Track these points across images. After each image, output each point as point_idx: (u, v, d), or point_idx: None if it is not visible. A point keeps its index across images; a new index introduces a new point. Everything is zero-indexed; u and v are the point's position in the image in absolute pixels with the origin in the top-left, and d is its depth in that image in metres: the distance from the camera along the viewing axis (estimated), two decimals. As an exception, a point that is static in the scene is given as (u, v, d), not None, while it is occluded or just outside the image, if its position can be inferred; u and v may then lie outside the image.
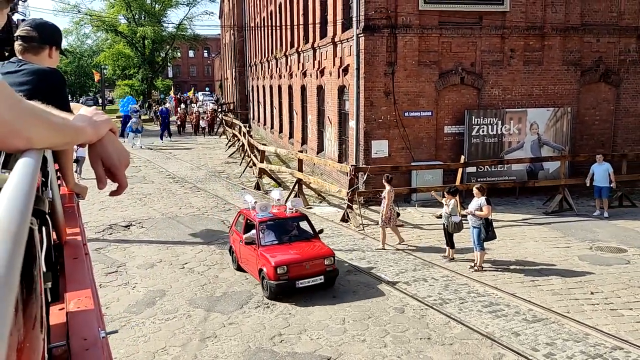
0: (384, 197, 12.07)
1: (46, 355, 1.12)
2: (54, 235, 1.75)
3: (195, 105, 42.21)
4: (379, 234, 12.30)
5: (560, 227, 13.50)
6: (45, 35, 2.65)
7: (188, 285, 10.21)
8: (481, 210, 10.45)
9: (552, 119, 16.82)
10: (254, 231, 10.25)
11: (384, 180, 12.34)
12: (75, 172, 18.71)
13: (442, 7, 15.88)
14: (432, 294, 9.54)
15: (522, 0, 16.28)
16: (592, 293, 9.49)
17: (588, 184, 14.56)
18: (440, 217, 14.00)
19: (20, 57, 2.58)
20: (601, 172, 14.26)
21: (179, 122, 38.29)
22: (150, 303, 9.43)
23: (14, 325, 0.58)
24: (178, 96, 50.68)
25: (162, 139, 32.59)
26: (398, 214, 12.59)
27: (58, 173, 2.40)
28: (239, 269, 10.79)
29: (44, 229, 1.35)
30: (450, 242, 11.29)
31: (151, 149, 29.81)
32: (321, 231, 10.91)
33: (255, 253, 9.85)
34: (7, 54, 2.82)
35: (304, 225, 10.81)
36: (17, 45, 2.61)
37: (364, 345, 7.82)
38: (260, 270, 9.58)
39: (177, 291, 9.93)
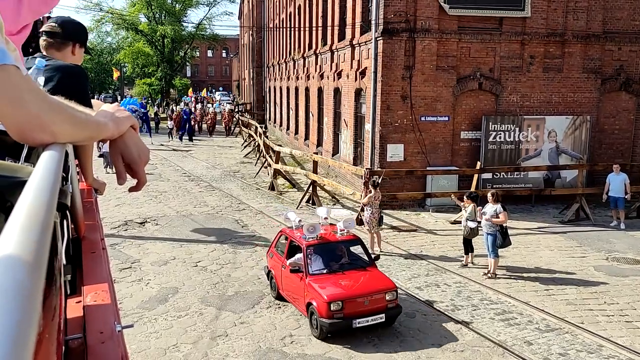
0: (369, 202, 11.89)
1: (63, 347, 1.13)
2: (72, 229, 1.77)
3: (211, 105, 42.26)
4: (374, 239, 12.08)
5: (576, 237, 13.34)
6: (69, 31, 2.68)
7: (200, 283, 10.26)
8: (497, 217, 10.38)
9: (570, 127, 16.64)
10: (299, 256, 8.88)
11: (370, 185, 12.22)
12: (105, 167, 19.16)
13: (462, 11, 15.80)
14: (444, 299, 9.47)
15: (543, 6, 16.14)
16: (606, 303, 9.36)
17: (604, 199, 14.37)
18: (455, 222, 13.95)
19: (44, 53, 2.62)
20: (618, 183, 14.07)
21: (192, 122, 38.16)
22: (163, 300, 9.49)
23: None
24: (196, 96, 50.88)
25: (181, 140, 32.28)
26: (381, 220, 12.16)
27: (77, 168, 2.43)
28: (279, 297, 9.41)
29: (64, 222, 1.37)
30: (470, 247, 11.21)
31: (162, 145, 30.06)
32: (377, 258, 9.45)
33: (302, 283, 8.46)
34: (31, 50, 2.86)
35: (357, 250, 9.46)
36: (42, 40, 2.65)
37: (374, 349, 7.79)
38: (309, 305, 8.23)
39: (189, 289, 9.99)
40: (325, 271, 8.62)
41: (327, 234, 9.28)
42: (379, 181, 12.51)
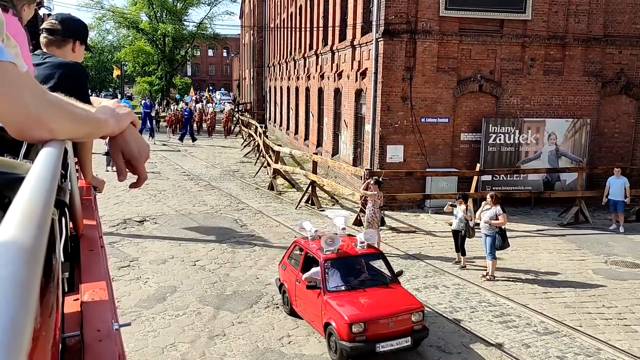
0: (370, 200, 11.84)
1: (60, 344, 1.13)
2: (71, 227, 1.77)
3: (211, 105, 42.08)
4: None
5: (575, 240, 13.34)
6: (70, 29, 2.68)
7: (199, 282, 10.26)
8: (497, 219, 10.39)
9: (570, 130, 16.65)
10: (315, 270, 8.19)
11: (373, 184, 12.22)
12: (108, 165, 19.15)
13: (463, 13, 15.80)
14: (443, 301, 9.47)
15: (544, 9, 16.15)
16: (604, 307, 9.36)
17: (604, 203, 14.38)
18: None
19: (44, 50, 2.62)
20: (618, 186, 14.08)
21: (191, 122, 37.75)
22: (161, 298, 9.49)
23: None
24: (198, 96, 50.82)
25: (182, 140, 31.43)
26: (382, 221, 12.13)
27: (76, 166, 2.43)
28: (292, 313, 8.75)
29: (63, 219, 1.37)
30: (462, 249, 11.25)
31: (165, 145, 30.05)
32: (401, 273, 8.60)
33: (319, 300, 7.78)
34: (31, 47, 2.86)
35: (378, 265, 8.77)
36: (42, 37, 2.65)
37: (372, 350, 7.78)
38: (327, 325, 7.54)
39: (187, 288, 9.98)
40: (344, 288, 7.92)
41: (346, 246, 8.54)
42: (380, 179, 12.53)
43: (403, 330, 7.40)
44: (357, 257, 8.43)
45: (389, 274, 8.41)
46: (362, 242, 8.55)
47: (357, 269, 8.34)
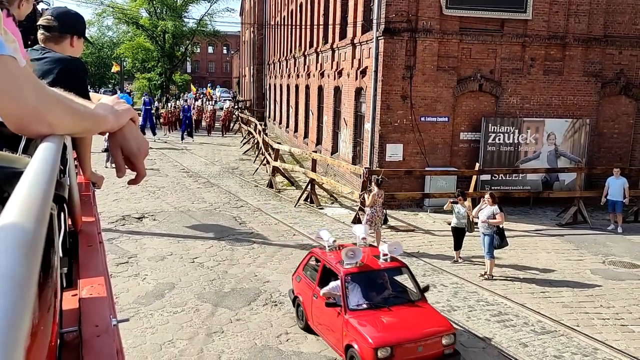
0: (373, 201, 11.81)
1: (58, 339, 1.13)
2: (69, 222, 1.77)
3: (210, 103, 41.93)
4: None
5: (573, 240, 13.36)
6: (67, 24, 2.67)
7: (197, 279, 10.26)
8: (494, 218, 10.40)
9: (570, 130, 16.66)
10: (334, 284, 7.52)
11: (373, 183, 12.19)
12: (108, 161, 19.12)
13: (464, 12, 15.79)
14: (441, 300, 9.48)
15: (544, 8, 16.14)
16: (602, 307, 9.38)
17: (603, 203, 14.40)
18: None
19: (42, 45, 2.61)
20: (617, 186, 14.09)
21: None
22: (160, 295, 9.49)
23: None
24: (198, 93, 50.68)
25: (182, 138, 31.04)
26: (386, 219, 12.13)
27: (75, 161, 2.42)
28: (308, 329, 8.11)
29: (61, 214, 1.36)
30: (459, 244, 11.31)
31: (165, 143, 30.02)
32: (427, 289, 7.85)
33: (340, 319, 7.11)
34: (29, 42, 2.85)
35: (403, 279, 8.07)
36: (40, 34, 2.64)
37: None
38: (348, 347, 6.91)
39: (186, 285, 9.98)
40: (368, 306, 7.21)
41: (368, 258, 7.79)
42: (380, 179, 12.51)
43: (433, 354, 6.74)
44: (381, 271, 7.69)
45: (415, 289, 7.69)
46: (385, 255, 7.80)
47: (381, 284, 7.62)
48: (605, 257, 12.15)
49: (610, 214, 14.54)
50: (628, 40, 16.81)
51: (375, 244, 11.73)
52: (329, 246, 8.30)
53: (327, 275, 7.85)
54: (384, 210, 12.14)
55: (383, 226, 12.45)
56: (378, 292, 7.49)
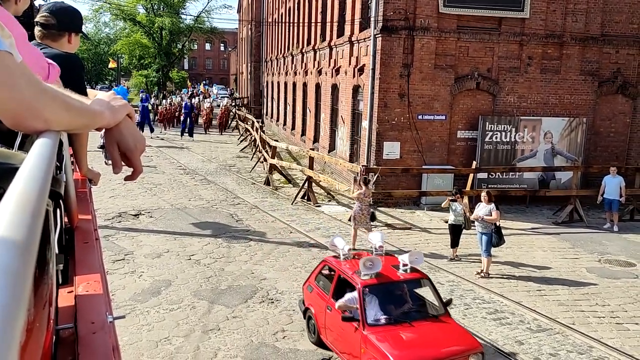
0: (358, 198, 11.86)
1: (53, 336, 1.12)
2: (65, 219, 1.76)
3: (207, 100, 41.75)
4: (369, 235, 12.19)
5: (569, 238, 13.40)
6: (64, 22, 2.65)
7: (194, 276, 10.25)
8: (490, 215, 10.45)
9: (566, 129, 16.69)
10: (350, 297, 6.99)
11: (360, 182, 12.21)
12: (106, 158, 19.02)
13: (462, 11, 15.79)
14: (437, 298, 9.50)
15: (542, 7, 16.16)
16: (597, 305, 9.41)
17: (599, 202, 14.45)
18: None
19: (39, 42, 2.60)
20: (613, 185, 14.13)
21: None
22: (156, 292, 9.48)
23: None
24: (194, 90, 50.54)
25: (192, 135, 30.60)
26: (373, 217, 12.10)
27: (72, 158, 2.42)
28: (320, 343, 7.60)
29: (57, 211, 1.36)
30: (456, 242, 11.35)
31: (163, 140, 29.97)
32: (450, 302, 7.39)
33: (357, 335, 6.57)
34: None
35: (425, 292, 7.48)
36: (37, 31, 2.63)
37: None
38: None
39: (182, 282, 9.98)
40: (388, 321, 6.65)
41: (387, 269, 7.19)
42: (369, 178, 12.52)
43: None
44: (401, 283, 7.16)
45: (437, 303, 7.15)
46: (405, 265, 7.25)
47: (401, 297, 7.10)
48: (601, 255, 12.19)
49: (607, 213, 14.59)
50: (625, 40, 16.84)
51: (351, 244, 11.78)
52: (343, 255, 7.76)
53: (342, 286, 7.32)
54: (370, 209, 12.12)
55: (372, 224, 12.43)
56: (398, 305, 6.97)
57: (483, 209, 10.61)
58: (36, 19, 2.67)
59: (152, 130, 30.64)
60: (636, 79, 17.17)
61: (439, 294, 7.33)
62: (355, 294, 6.92)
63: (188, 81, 54.73)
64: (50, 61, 1.65)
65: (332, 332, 7.23)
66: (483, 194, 10.88)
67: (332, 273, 7.74)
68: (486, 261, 10.57)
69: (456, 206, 11.33)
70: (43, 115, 0.99)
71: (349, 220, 13.66)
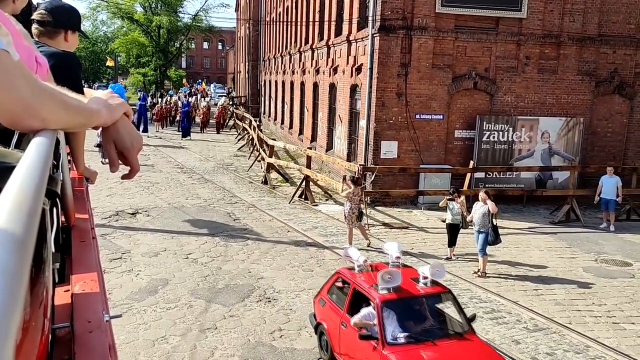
0: (347, 197, 11.92)
1: (50, 335, 1.12)
2: (62, 218, 1.76)
3: (204, 99, 41.61)
4: (362, 234, 12.25)
5: (566, 238, 13.43)
6: (60, 19, 2.65)
7: (191, 275, 10.24)
8: (490, 216, 10.54)
9: (563, 129, 16.72)
10: (366, 312, 6.48)
11: (349, 180, 12.23)
12: (103, 157, 19.03)
13: (459, 10, 15.80)
14: (434, 297, 9.51)
15: (539, 7, 16.18)
16: (594, 304, 9.44)
17: (596, 201, 14.49)
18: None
19: (37, 40, 2.60)
20: (610, 185, 14.17)
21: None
22: (153, 291, 9.47)
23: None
24: (191, 89, 50.37)
25: (186, 136, 30.26)
26: (360, 215, 12.11)
27: (69, 156, 2.41)
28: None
29: (54, 210, 1.36)
30: (454, 241, 11.38)
31: (160, 138, 29.92)
32: (474, 318, 6.78)
33: (377, 356, 6.08)
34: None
35: (447, 307, 7.02)
36: (34, 29, 2.62)
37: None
38: None
39: (179, 281, 9.97)
40: (407, 339, 6.13)
41: (405, 282, 6.64)
42: (357, 177, 12.57)
43: None
44: (421, 297, 6.62)
45: (460, 319, 6.64)
46: (425, 278, 6.75)
47: (421, 313, 6.57)
48: (598, 255, 12.22)
49: (603, 213, 14.62)
50: (622, 40, 16.88)
51: (348, 242, 11.81)
52: (358, 266, 7.20)
53: (357, 301, 6.82)
54: (360, 207, 12.15)
55: (365, 224, 12.46)
56: (418, 322, 6.45)
57: (481, 208, 10.64)
58: (33, 17, 2.66)
59: (145, 130, 30.10)
60: (633, 79, 17.21)
61: (462, 309, 6.82)
62: (371, 309, 6.44)
63: (184, 80, 54.58)
64: (40, 57, 1.64)
65: (347, 350, 6.70)
66: (481, 194, 10.90)
67: (347, 286, 7.22)
68: (482, 260, 10.60)
69: (454, 205, 11.36)
70: (40, 114, 0.98)
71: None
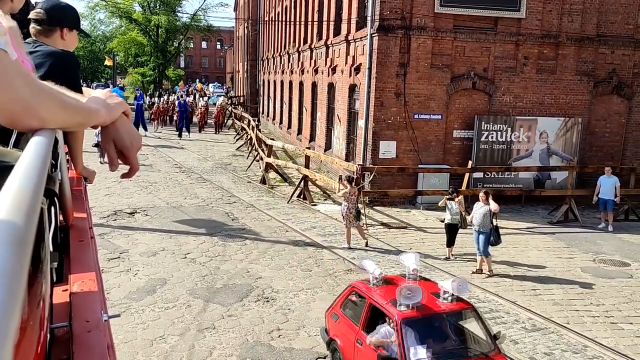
0: (344, 197, 11.96)
1: (48, 335, 1.12)
2: (60, 217, 1.76)
3: (202, 99, 41.54)
4: (360, 234, 12.29)
5: (564, 238, 13.44)
6: (55, 17, 2.63)
7: (189, 275, 10.24)
8: (491, 216, 10.58)
9: (562, 129, 16.74)
10: (385, 331, 6.11)
11: (345, 180, 12.24)
12: (102, 157, 18.99)
13: (458, 10, 15.82)
14: (432, 297, 9.52)
15: (538, 7, 16.19)
16: (592, 304, 9.45)
17: (594, 202, 14.51)
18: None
19: (34, 39, 2.59)
20: (608, 185, 14.19)
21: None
22: (151, 291, 9.46)
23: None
24: (188, 89, 50.36)
25: (180, 136, 30.30)
26: (358, 215, 12.10)
27: (67, 156, 2.41)
28: None
29: (52, 209, 1.35)
30: (452, 241, 11.40)
31: (160, 138, 29.90)
32: (498, 335, 6.34)
33: None
34: (22, 36, 2.81)
35: (470, 324, 6.48)
36: (31, 27, 2.62)
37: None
38: None
39: (178, 280, 9.96)
40: None
41: (426, 298, 6.16)
42: (354, 176, 12.59)
43: None
44: (443, 314, 6.21)
45: (484, 337, 6.20)
46: (446, 293, 6.28)
47: (444, 331, 6.22)
48: (596, 255, 12.23)
49: (601, 213, 14.64)
50: (620, 40, 16.90)
51: (346, 242, 11.83)
52: (374, 281, 6.79)
53: (374, 317, 6.42)
54: (357, 206, 12.16)
55: (363, 225, 12.46)
56: (440, 341, 6.06)
57: (481, 209, 10.65)
58: (30, 16, 2.65)
59: (145, 129, 30.18)
60: (631, 79, 17.24)
61: (487, 327, 6.37)
62: (389, 327, 6.06)
63: (182, 81, 54.53)
64: (25, 56, 1.64)
65: None
66: (481, 194, 10.92)
67: (362, 301, 6.75)
68: (486, 260, 10.63)
69: (452, 205, 11.37)
70: (39, 114, 0.98)
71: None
